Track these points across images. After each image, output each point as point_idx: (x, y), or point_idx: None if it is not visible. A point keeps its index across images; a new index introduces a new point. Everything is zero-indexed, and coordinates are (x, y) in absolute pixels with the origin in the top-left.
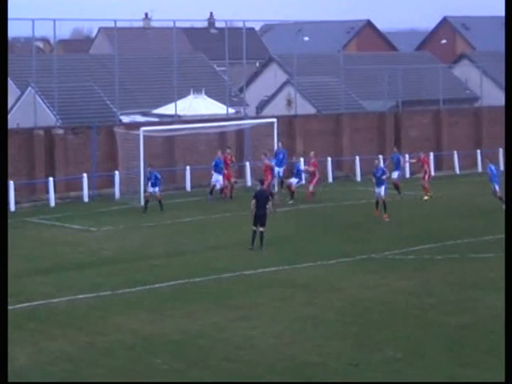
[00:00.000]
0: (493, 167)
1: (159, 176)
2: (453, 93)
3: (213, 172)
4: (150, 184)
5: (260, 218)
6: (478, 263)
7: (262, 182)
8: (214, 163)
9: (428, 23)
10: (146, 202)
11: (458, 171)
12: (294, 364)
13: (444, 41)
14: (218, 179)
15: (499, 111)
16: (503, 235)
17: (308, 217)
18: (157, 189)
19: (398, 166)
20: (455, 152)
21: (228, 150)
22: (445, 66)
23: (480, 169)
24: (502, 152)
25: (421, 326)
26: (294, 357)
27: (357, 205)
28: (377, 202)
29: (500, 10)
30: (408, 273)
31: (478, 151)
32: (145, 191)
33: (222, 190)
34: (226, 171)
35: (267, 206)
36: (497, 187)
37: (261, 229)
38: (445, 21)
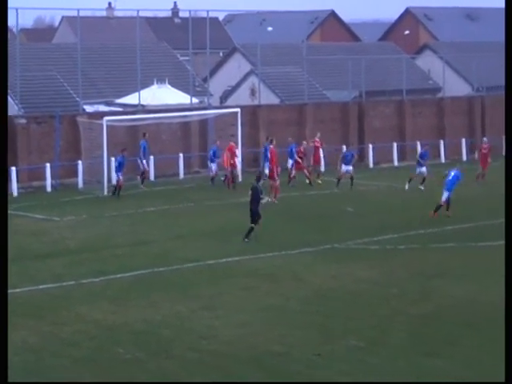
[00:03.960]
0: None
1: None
2: (416, 83)
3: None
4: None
5: (252, 214)
6: (440, 253)
7: (258, 179)
8: (211, 152)
9: (391, 14)
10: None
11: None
12: (257, 353)
13: (407, 31)
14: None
15: (462, 102)
16: (464, 225)
17: (272, 207)
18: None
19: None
20: (418, 142)
21: (233, 139)
22: (408, 57)
23: (443, 159)
24: (464, 142)
25: (384, 316)
26: (257, 346)
27: (320, 195)
28: (447, 204)
29: (462, 1)
30: (371, 262)
31: (441, 141)
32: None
33: (225, 178)
34: (232, 160)
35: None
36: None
37: (251, 225)
38: (408, 12)
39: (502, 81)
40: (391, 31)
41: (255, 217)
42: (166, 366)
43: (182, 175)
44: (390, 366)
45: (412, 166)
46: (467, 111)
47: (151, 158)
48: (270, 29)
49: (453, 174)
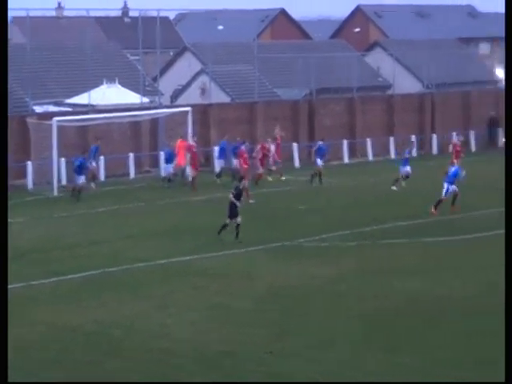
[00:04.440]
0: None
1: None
2: (366, 81)
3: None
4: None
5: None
6: (391, 249)
7: (240, 179)
8: (166, 153)
9: (342, 11)
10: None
11: (371, 158)
12: (209, 352)
13: (357, 29)
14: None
15: (412, 99)
16: (414, 221)
17: (223, 205)
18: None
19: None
20: (368, 139)
21: (194, 138)
22: (358, 54)
23: (393, 155)
24: (414, 138)
25: (336, 312)
26: (209, 345)
27: (272, 192)
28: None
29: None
30: (323, 259)
31: (391, 138)
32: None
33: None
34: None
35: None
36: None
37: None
38: (358, 9)
39: (452, 78)
40: (342, 29)
41: (233, 213)
42: (118, 367)
43: (132, 175)
44: (343, 362)
45: (362, 163)
46: (417, 108)
47: (101, 158)
48: (220, 27)
49: (453, 169)
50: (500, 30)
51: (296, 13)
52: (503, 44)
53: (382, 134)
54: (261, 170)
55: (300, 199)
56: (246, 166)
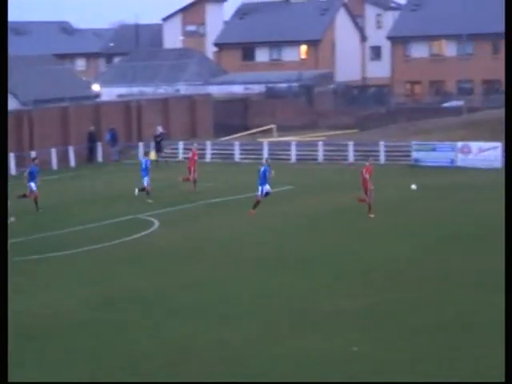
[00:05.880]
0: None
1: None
2: None
3: None
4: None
5: None
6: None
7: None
8: None
9: None
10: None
11: None
12: None
13: None
14: None
15: (9, 116)
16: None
17: None
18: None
19: None
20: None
21: None
22: None
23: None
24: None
25: None
26: None
27: None
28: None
29: (10, 16)
30: None
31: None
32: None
33: None
34: None
35: None
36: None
37: None
38: None
39: (49, 94)
40: None
41: None
42: None
43: None
44: None
45: None
46: (16, 126)
47: None
48: None
49: (262, 169)
50: (95, 46)
51: None
52: (98, 60)
53: None
54: None
55: None
56: None
